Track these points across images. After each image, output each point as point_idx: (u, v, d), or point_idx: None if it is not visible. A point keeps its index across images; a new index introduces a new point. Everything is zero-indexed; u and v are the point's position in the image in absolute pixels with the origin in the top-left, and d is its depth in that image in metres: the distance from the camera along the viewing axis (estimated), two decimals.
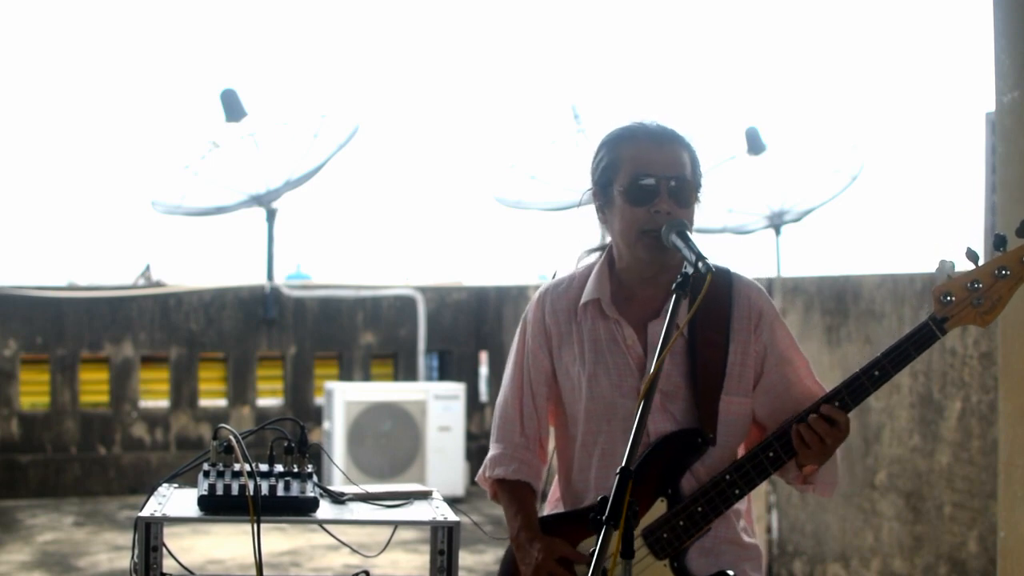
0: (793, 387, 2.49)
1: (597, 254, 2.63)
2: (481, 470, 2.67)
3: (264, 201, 10.10)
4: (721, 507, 2.38)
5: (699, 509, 2.38)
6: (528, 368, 2.62)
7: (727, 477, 2.37)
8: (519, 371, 2.64)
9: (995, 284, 2.28)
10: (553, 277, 2.68)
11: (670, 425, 2.44)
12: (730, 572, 2.42)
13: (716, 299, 2.47)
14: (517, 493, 2.59)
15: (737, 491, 2.37)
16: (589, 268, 2.60)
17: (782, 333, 2.53)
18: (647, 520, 2.40)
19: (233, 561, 6.93)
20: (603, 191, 2.52)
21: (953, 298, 2.30)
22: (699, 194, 2.51)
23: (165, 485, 2.80)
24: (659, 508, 2.41)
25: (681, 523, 2.38)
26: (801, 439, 2.34)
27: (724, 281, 2.51)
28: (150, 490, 2.73)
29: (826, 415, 2.33)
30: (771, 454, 2.37)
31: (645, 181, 2.44)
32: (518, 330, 2.67)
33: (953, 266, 2.30)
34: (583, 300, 2.54)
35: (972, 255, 2.28)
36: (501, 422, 2.66)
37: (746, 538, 2.54)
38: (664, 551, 2.39)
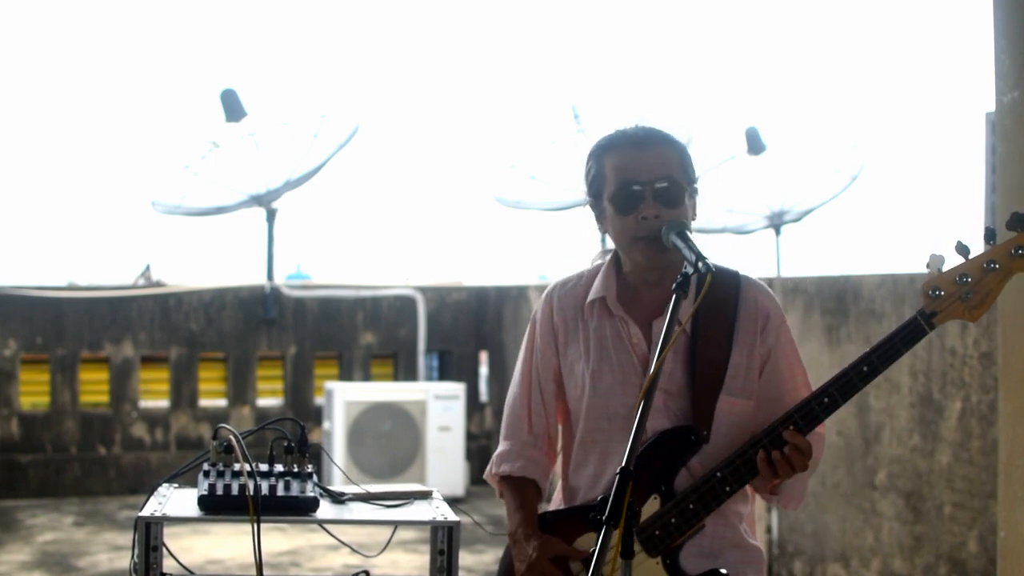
0: (786, 396, 2.46)
1: (610, 256, 2.64)
2: (488, 466, 2.68)
3: (264, 201, 10.10)
4: (712, 504, 2.37)
5: (691, 506, 2.37)
6: (537, 365, 2.63)
7: (718, 474, 2.36)
8: (528, 368, 2.65)
9: (984, 278, 2.25)
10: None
11: (668, 423, 2.44)
12: (723, 571, 2.40)
13: (722, 300, 2.46)
14: (520, 490, 2.60)
15: (728, 488, 2.35)
16: (598, 267, 2.61)
17: (785, 338, 2.51)
18: (640, 517, 2.38)
19: (233, 561, 6.93)
20: (596, 202, 2.54)
21: (942, 292, 2.26)
22: (693, 190, 2.50)
23: (165, 485, 2.80)
24: (652, 505, 2.41)
25: (673, 520, 2.37)
26: (768, 464, 2.32)
27: (732, 283, 2.50)
28: (150, 490, 2.73)
29: (788, 440, 2.31)
30: (760, 451, 2.34)
31: (629, 188, 2.44)
32: (528, 328, 2.68)
33: (943, 260, 2.27)
34: (590, 298, 2.55)
35: (962, 248, 2.25)
36: (509, 419, 2.67)
37: (749, 540, 2.53)
38: (656, 548, 2.39)
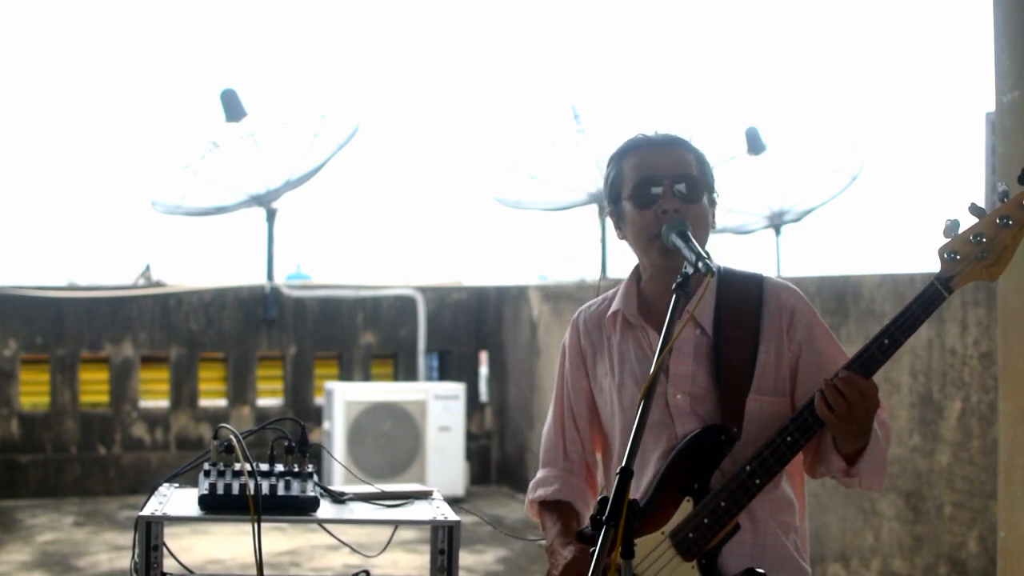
0: None
1: (631, 272, 2.64)
2: (526, 496, 2.68)
3: (264, 201, 10.10)
4: (743, 499, 2.33)
5: (722, 504, 2.33)
6: (568, 392, 2.64)
7: (747, 468, 2.32)
8: (560, 396, 2.66)
9: (998, 234, 2.22)
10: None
11: (698, 425, 2.42)
12: (760, 570, 2.34)
13: (744, 300, 2.46)
14: (556, 510, 2.58)
15: (757, 480, 2.32)
16: (618, 288, 2.62)
17: (819, 332, 2.49)
18: (674, 521, 2.37)
19: (233, 561, 6.94)
20: (615, 205, 2.54)
21: (958, 255, 2.23)
22: (712, 193, 2.51)
23: (165, 485, 2.80)
24: (686, 508, 2.38)
25: (705, 520, 2.34)
26: (825, 402, 2.24)
27: (754, 282, 2.50)
28: (151, 489, 2.72)
29: (845, 379, 2.24)
30: (788, 439, 2.31)
31: (649, 183, 2.45)
32: (559, 357, 2.69)
33: (958, 224, 2.24)
34: (610, 312, 2.56)
35: (976, 210, 2.23)
36: (545, 448, 2.68)
37: (797, 557, 2.46)
38: (691, 552, 2.35)
